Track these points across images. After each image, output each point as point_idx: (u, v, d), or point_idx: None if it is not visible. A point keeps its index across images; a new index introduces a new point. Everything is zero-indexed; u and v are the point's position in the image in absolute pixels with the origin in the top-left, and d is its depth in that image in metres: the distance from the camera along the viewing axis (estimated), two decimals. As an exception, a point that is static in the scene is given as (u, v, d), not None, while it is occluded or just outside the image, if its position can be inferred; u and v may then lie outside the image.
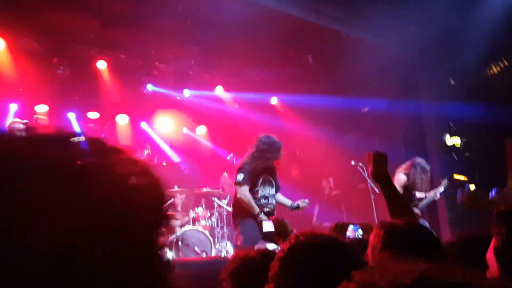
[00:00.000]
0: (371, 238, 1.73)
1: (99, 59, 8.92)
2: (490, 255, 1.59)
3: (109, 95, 9.69)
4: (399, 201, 2.44)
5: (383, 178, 2.46)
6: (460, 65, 8.68)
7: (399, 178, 6.72)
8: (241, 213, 5.41)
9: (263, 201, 5.48)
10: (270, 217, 4.73)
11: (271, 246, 3.39)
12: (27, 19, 7.67)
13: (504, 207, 1.59)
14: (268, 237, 3.79)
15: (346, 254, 1.34)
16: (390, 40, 8.51)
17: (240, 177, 5.43)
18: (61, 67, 8.76)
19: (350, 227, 2.50)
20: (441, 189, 7.04)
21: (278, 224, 3.34)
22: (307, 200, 5.61)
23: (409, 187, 6.71)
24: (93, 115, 10.53)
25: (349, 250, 1.37)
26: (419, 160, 6.83)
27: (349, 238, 2.48)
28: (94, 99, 10.01)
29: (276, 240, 3.72)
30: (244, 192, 5.38)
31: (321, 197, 10.80)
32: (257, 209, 5.31)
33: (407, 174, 6.69)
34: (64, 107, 10.02)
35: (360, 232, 2.38)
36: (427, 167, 6.74)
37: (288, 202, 5.72)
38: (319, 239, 1.38)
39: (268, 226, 3.34)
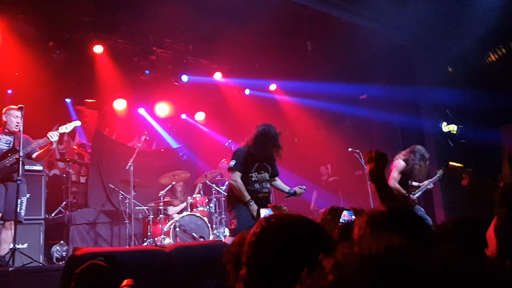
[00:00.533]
0: (355, 230, 1.69)
1: (96, 44, 8.84)
2: (490, 233, 1.60)
3: (106, 80, 9.64)
4: (394, 201, 2.43)
5: (381, 178, 2.45)
6: (458, 53, 8.68)
7: (398, 164, 6.75)
8: (235, 198, 5.48)
9: (257, 186, 5.54)
10: (268, 205, 4.75)
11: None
12: (23, 3, 7.59)
13: (508, 186, 1.61)
14: None
15: (318, 235, 1.32)
16: (389, 27, 8.48)
17: (232, 163, 5.51)
18: (57, 51, 8.68)
19: (345, 212, 2.51)
20: (436, 178, 7.08)
21: (277, 210, 3.29)
22: (304, 187, 5.64)
23: (407, 173, 6.75)
24: (90, 100, 10.49)
25: (321, 231, 1.36)
26: (419, 147, 6.85)
27: (344, 221, 2.48)
28: (91, 84, 9.95)
29: None
30: (235, 178, 5.45)
31: (319, 183, 10.86)
32: (247, 197, 5.36)
33: (406, 160, 6.73)
34: (60, 92, 9.96)
35: (353, 217, 2.40)
36: (427, 155, 6.76)
37: (285, 188, 5.77)
38: (290, 221, 1.37)
39: (265, 213, 3.32)
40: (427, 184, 6.90)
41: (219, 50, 9.36)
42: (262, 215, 3.34)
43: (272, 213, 3.16)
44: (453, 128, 8.83)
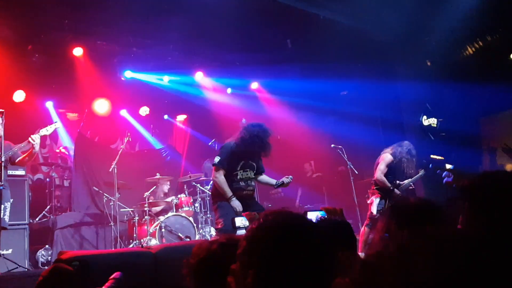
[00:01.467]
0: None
1: (75, 46, 8.76)
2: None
3: (87, 83, 9.56)
4: None
5: None
6: (436, 47, 8.80)
7: (386, 157, 6.94)
8: (219, 195, 5.46)
9: (242, 184, 5.53)
10: (243, 213, 4.74)
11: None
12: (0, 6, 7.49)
13: (467, 182, 1.65)
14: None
15: (314, 234, 1.33)
16: (368, 23, 8.56)
17: (217, 159, 5.48)
18: (36, 54, 8.60)
19: (319, 213, 2.54)
20: (417, 177, 7.26)
21: (251, 219, 3.25)
22: (290, 176, 5.65)
23: (394, 167, 6.90)
24: (70, 103, 10.40)
25: (318, 231, 1.36)
26: (407, 142, 7.06)
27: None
28: (72, 87, 9.86)
29: None
30: (218, 175, 5.43)
31: (303, 180, 10.94)
32: (229, 193, 5.35)
33: (393, 154, 6.89)
34: (41, 96, 9.86)
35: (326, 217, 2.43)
36: (414, 151, 6.93)
37: (272, 181, 5.77)
38: (288, 218, 1.36)
39: (239, 221, 3.29)
40: (407, 183, 7.06)
41: (200, 49, 9.35)
42: (237, 224, 3.34)
43: (247, 221, 3.16)
44: (433, 121, 8.97)
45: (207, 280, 1.89)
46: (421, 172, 7.26)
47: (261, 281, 1.26)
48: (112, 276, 2.64)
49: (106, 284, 2.56)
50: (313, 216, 2.50)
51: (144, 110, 11.20)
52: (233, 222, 3.44)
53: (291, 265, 1.26)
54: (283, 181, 5.59)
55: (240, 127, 5.62)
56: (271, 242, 1.29)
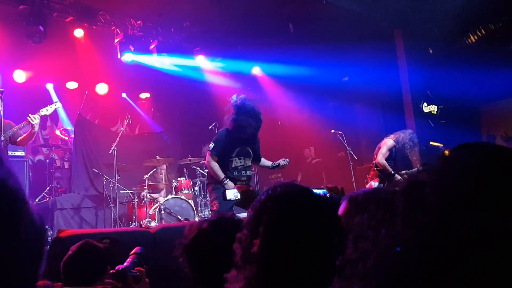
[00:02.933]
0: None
1: (76, 28, 8.75)
2: None
3: (88, 65, 9.55)
4: None
5: None
6: (438, 34, 8.77)
7: (388, 142, 6.98)
8: (215, 178, 5.40)
9: (235, 173, 5.42)
10: (235, 186, 4.70)
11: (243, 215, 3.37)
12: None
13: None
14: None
15: (322, 206, 1.37)
16: (372, 8, 8.52)
17: (211, 146, 5.42)
18: (37, 35, 8.56)
19: (321, 191, 2.55)
20: (414, 171, 7.27)
21: (244, 193, 3.21)
22: (287, 159, 5.61)
23: (396, 152, 6.94)
24: (72, 85, 10.40)
25: (326, 205, 1.38)
26: (410, 130, 7.12)
27: None
28: (72, 69, 9.86)
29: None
30: (210, 160, 5.36)
31: (303, 165, 10.97)
32: (221, 175, 5.27)
33: (396, 140, 6.94)
34: (42, 77, 9.86)
35: (328, 195, 2.44)
36: (416, 140, 6.96)
37: (268, 163, 5.73)
38: (296, 190, 1.38)
39: (230, 194, 3.27)
40: (403, 173, 7.10)
41: (201, 33, 9.32)
42: (228, 197, 3.34)
43: (238, 194, 3.16)
44: (433, 108, 8.98)
45: (200, 259, 1.90)
46: (419, 167, 7.28)
47: (266, 250, 1.28)
48: (133, 251, 2.67)
49: (128, 260, 2.59)
50: (232, 193, 2.54)
51: (144, 94, 11.24)
52: (224, 195, 3.42)
53: (297, 236, 1.28)
54: (279, 163, 5.55)
55: (230, 107, 5.46)
56: (279, 212, 1.31)
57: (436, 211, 0.71)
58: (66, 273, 2.56)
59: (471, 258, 0.66)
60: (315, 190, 2.53)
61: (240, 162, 5.48)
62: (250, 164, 5.62)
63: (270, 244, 1.29)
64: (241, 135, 5.39)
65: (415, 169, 7.07)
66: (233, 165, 5.43)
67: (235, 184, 5.30)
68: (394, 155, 6.99)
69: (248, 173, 5.60)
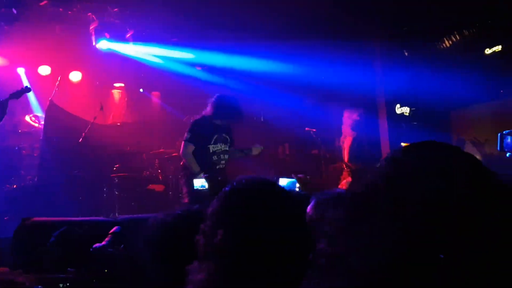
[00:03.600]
0: None
1: (51, 12, 8.55)
2: None
3: (62, 50, 9.35)
4: None
5: None
6: (414, 37, 8.90)
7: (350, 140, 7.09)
8: (187, 171, 5.42)
9: (214, 158, 5.50)
10: (203, 175, 4.75)
11: None
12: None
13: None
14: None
15: (284, 199, 1.37)
16: (349, 8, 8.56)
17: (188, 135, 5.44)
18: (10, 17, 8.34)
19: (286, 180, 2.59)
20: None
21: (211, 181, 3.25)
22: (261, 147, 5.68)
23: (359, 149, 7.06)
24: (44, 70, 10.15)
25: (288, 196, 1.39)
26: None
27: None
28: (45, 54, 9.63)
29: None
30: (186, 150, 5.39)
31: (276, 162, 10.99)
32: (196, 169, 5.28)
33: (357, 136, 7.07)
34: (13, 61, 9.61)
35: (297, 184, 2.47)
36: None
37: (238, 151, 5.80)
38: (260, 183, 1.39)
39: (198, 183, 3.27)
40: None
41: (182, 23, 9.21)
42: (195, 186, 3.34)
43: (206, 183, 3.16)
44: (406, 110, 9.12)
45: (162, 252, 1.89)
46: None
47: (229, 240, 1.28)
48: (111, 231, 2.67)
49: (106, 238, 2.59)
50: (284, 182, 2.59)
51: (118, 84, 11.06)
52: (192, 183, 3.43)
53: (259, 227, 1.29)
54: (251, 150, 5.62)
55: (211, 100, 5.56)
56: (243, 203, 1.33)
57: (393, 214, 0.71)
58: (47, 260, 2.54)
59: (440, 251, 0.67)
60: (284, 180, 2.57)
61: (218, 147, 5.56)
62: (227, 149, 5.66)
63: (233, 234, 1.29)
64: (220, 122, 5.47)
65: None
66: (211, 151, 5.50)
67: (214, 167, 5.37)
68: (359, 151, 7.13)
69: (226, 157, 5.66)
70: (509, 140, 4.04)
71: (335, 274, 0.74)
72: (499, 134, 4.20)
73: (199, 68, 10.51)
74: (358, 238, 0.75)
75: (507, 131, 4.07)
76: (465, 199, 0.71)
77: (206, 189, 3.24)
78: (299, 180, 2.46)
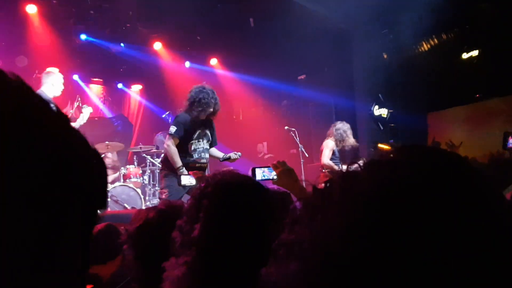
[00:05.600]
0: None
1: (29, 3, 8.39)
2: None
3: (39, 43, 9.18)
4: None
5: None
6: (393, 41, 9.01)
7: (328, 143, 7.15)
8: (168, 165, 5.39)
9: (195, 155, 5.47)
10: (190, 172, 4.74)
11: None
12: None
13: None
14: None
15: (263, 196, 1.38)
16: (331, 10, 8.64)
17: (173, 129, 5.40)
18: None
19: (265, 169, 2.60)
20: None
21: (199, 179, 3.24)
22: (239, 153, 5.65)
23: (338, 151, 7.13)
24: (21, 62, 9.94)
25: (267, 193, 1.41)
26: (337, 125, 7.27)
27: (264, 178, 2.59)
28: (22, 46, 9.44)
29: None
30: (170, 144, 5.36)
31: (256, 160, 11.02)
32: (179, 163, 5.27)
33: (335, 140, 7.11)
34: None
35: (274, 173, 2.48)
36: (343, 130, 7.16)
37: (220, 154, 5.76)
38: (235, 178, 1.41)
39: (185, 179, 3.26)
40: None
41: (160, 18, 9.14)
42: (183, 183, 3.32)
43: (194, 179, 3.15)
44: (383, 112, 9.24)
45: (145, 247, 1.88)
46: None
47: (206, 234, 1.30)
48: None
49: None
50: (260, 171, 2.60)
51: (96, 78, 10.92)
52: (179, 180, 3.41)
53: (234, 222, 1.31)
54: (230, 156, 5.59)
55: (188, 94, 5.52)
56: (217, 199, 1.34)
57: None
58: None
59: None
60: (260, 169, 2.60)
61: (200, 145, 5.54)
62: (208, 147, 5.66)
63: (209, 228, 1.31)
64: (197, 118, 5.43)
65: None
66: (193, 148, 5.48)
67: (194, 165, 5.37)
68: (337, 154, 7.20)
69: (207, 155, 5.65)
70: None
71: (289, 260, 0.77)
72: (504, 133, 4.21)
73: (188, 65, 10.45)
74: (311, 226, 0.78)
75: None
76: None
77: (194, 185, 3.23)
78: (274, 168, 2.47)
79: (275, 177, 2.43)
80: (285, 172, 2.41)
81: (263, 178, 2.58)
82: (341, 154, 7.18)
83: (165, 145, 5.51)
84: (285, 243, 0.76)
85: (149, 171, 8.78)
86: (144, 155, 8.93)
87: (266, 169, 2.59)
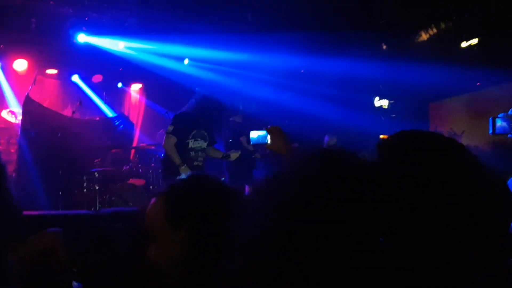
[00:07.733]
0: None
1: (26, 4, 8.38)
2: None
3: (37, 44, 9.17)
4: None
5: None
6: (392, 30, 9.00)
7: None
8: (169, 163, 5.47)
9: (192, 154, 5.52)
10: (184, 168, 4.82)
11: None
12: None
13: None
14: None
15: (232, 200, 1.43)
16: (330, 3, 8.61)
17: (171, 128, 5.47)
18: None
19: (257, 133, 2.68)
20: None
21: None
22: (239, 151, 5.71)
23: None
24: (20, 66, 9.94)
25: (230, 189, 1.51)
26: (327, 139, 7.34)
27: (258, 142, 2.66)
28: (21, 48, 9.43)
29: None
30: (169, 142, 5.42)
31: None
32: (178, 160, 5.34)
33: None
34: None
35: (268, 137, 2.52)
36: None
37: (219, 153, 5.82)
38: (202, 179, 1.53)
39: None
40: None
41: (159, 17, 9.12)
42: None
43: None
44: (384, 102, 9.24)
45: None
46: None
47: (191, 234, 1.41)
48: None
49: None
50: (255, 134, 2.68)
51: (97, 78, 10.91)
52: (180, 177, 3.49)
53: (208, 224, 1.39)
54: (229, 154, 5.66)
55: (195, 96, 5.60)
56: (194, 204, 1.46)
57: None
58: None
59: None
60: (256, 132, 2.66)
61: (197, 144, 5.57)
62: (205, 147, 5.68)
63: (193, 231, 1.42)
64: (200, 119, 5.46)
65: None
66: (189, 146, 5.52)
67: (191, 164, 5.42)
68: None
69: (204, 155, 5.69)
70: (501, 123, 4.09)
71: (233, 251, 0.86)
72: (490, 118, 4.27)
73: (186, 62, 10.43)
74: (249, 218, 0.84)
75: (501, 114, 4.14)
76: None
77: None
78: (269, 132, 2.52)
79: (269, 141, 2.51)
80: (278, 136, 2.50)
81: (258, 141, 2.68)
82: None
83: (163, 145, 5.57)
84: (232, 240, 0.83)
85: (152, 169, 8.81)
86: (147, 152, 8.98)
87: (260, 132, 2.67)
